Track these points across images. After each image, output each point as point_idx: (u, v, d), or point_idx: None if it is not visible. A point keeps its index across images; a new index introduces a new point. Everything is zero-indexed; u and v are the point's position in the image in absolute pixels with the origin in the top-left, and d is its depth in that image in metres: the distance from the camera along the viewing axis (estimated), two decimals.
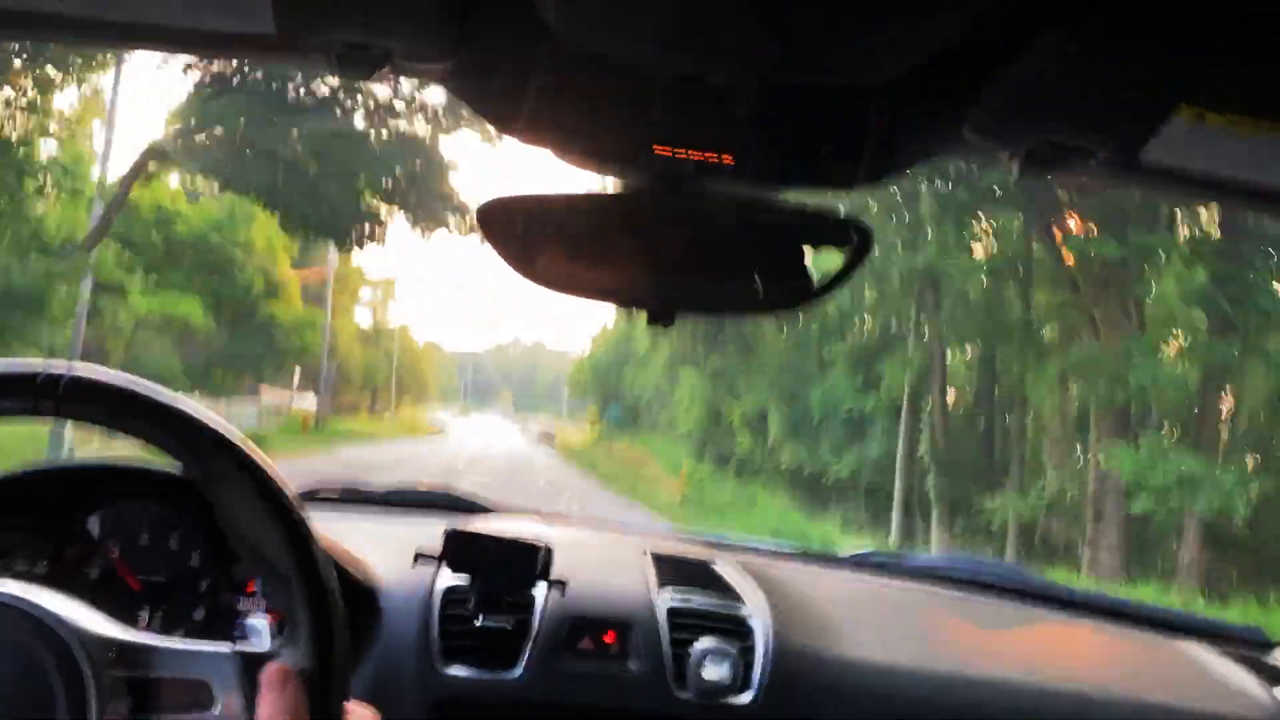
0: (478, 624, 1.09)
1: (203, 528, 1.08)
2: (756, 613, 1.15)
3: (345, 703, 0.61)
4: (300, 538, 0.60)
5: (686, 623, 1.12)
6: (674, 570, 1.24)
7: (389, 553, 1.18)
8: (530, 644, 1.09)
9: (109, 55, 11.21)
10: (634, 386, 34.90)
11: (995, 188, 11.31)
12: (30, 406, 0.58)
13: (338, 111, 11.67)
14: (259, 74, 10.61)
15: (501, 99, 0.66)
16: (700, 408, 23.05)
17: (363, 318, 48.33)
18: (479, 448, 31.90)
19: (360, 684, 1.02)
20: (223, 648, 0.61)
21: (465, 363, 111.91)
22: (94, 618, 0.60)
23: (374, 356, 44.19)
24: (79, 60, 10.67)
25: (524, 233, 0.72)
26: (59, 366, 0.57)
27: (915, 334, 14.36)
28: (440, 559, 1.10)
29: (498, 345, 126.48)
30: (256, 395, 25.99)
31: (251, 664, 0.60)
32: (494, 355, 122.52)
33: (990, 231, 13.27)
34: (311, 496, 1.50)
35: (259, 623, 0.90)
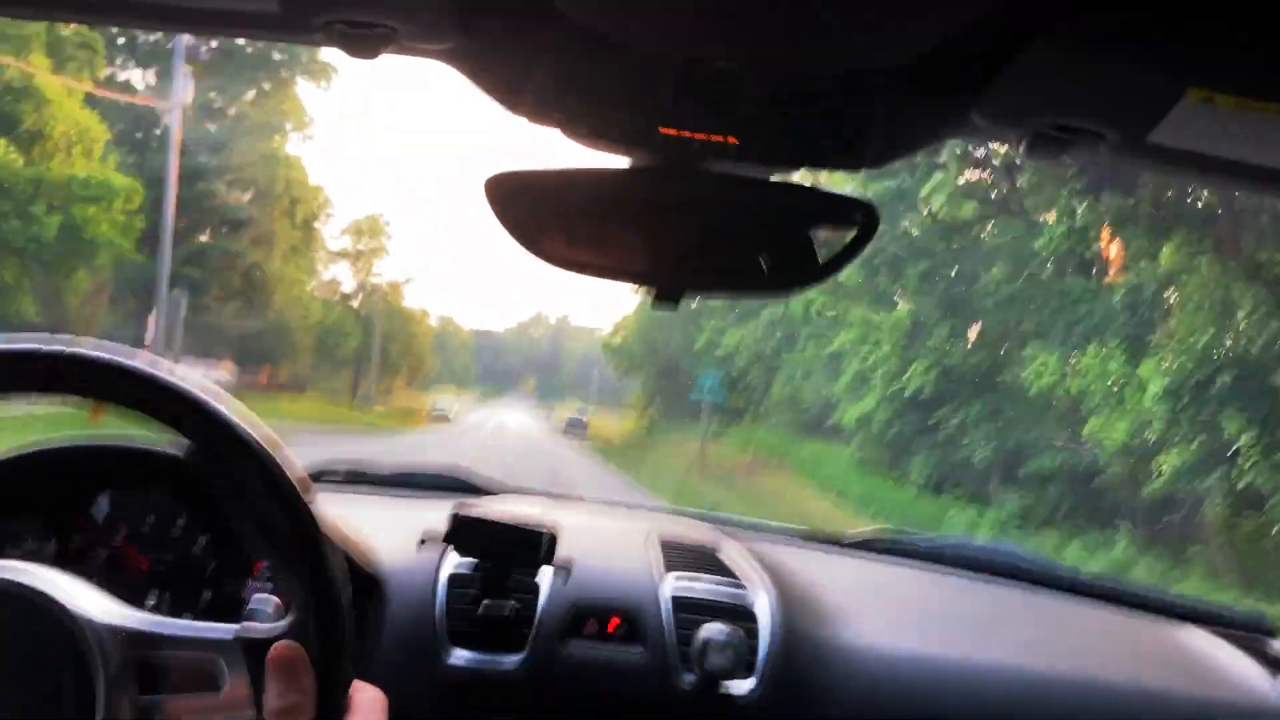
0: (482, 608, 1.24)
1: (210, 510, 1.22)
2: (761, 598, 1.31)
3: (351, 684, 0.68)
4: (305, 521, 0.66)
5: (691, 608, 1.28)
6: (680, 555, 1.40)
7: (395, 535, 1.34)
8: (535, 629, 1.24)
9: None
10: (715, 351, 24.73)
11: None
12: (30, 384, 0.63)
13: None
14: None
15: (508, 79, 0.72)
16: (919, 373, 13.43)
17: (340, 273, 39.08)
18: (474, 446, 24.46)
19: (365, 666, 1.14)
20: (229, 630, 0.68)
21: (483, 343, 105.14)
22: (101, 601, 0.68)
23: (347, 322, 35.01)
24: None
25: (531, 208, 0.78)
26: (58, 343, 0.63)
27: None
28: (446, 542, 1.24)
29: (519, 323, 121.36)
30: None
31: (258, 646, 0.66)
32: (515, 335, 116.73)
33: None
34: (318, 478, 1.69)
35: (265, 603, 0.99)
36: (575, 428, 40.56)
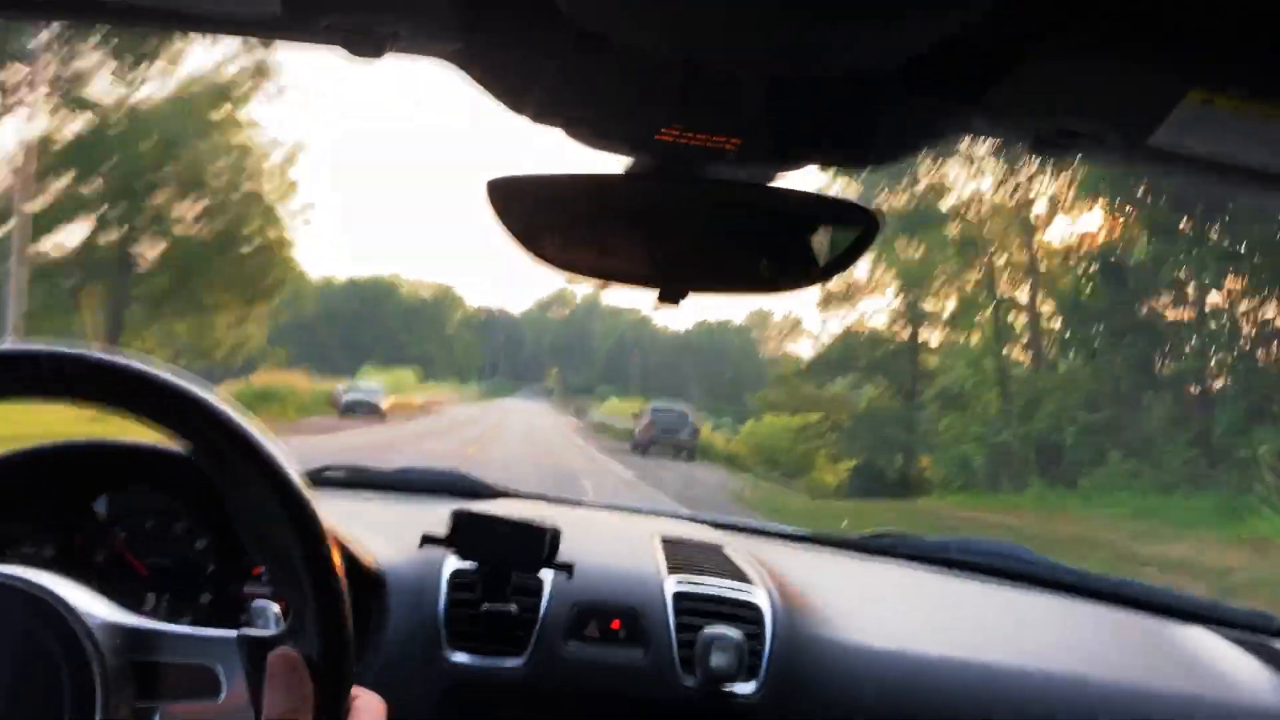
0: (484, 609, 1.26)
1: (210, 512, 1.25)
2: (764, 598, 1.33)
3: (351, 689, 0.69)
4: (306, 523, 0.67)
5: (694, 608, 1.31)
6: (682, 555, 1.43)
7: (396, 536, 1.35)
8: (536, 629, 1.27)
9: None
10: None
11: None
12: (36, 388, 0.65)
13: None
14: None
15: (511, 80, 0.74)
16: None
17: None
18: None
19: (367, 669, 1.19)
20: (229, 634, 0.69)
21: (493, 323, 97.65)
22: (100, 603, 0.69)
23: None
24: None
25: (532, 211, 0.81)
26: (64, 347, 0.65)
27: None
28: (447, 542, 1.26)
29: (536, 302, 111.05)
30: None
31: (258, 650, 0.67)
32: (533, 315, 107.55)
33: None
34: (318, 478, 1.72)
35: (266, 608, 1.01)
36: (670, 437, 22.80)
